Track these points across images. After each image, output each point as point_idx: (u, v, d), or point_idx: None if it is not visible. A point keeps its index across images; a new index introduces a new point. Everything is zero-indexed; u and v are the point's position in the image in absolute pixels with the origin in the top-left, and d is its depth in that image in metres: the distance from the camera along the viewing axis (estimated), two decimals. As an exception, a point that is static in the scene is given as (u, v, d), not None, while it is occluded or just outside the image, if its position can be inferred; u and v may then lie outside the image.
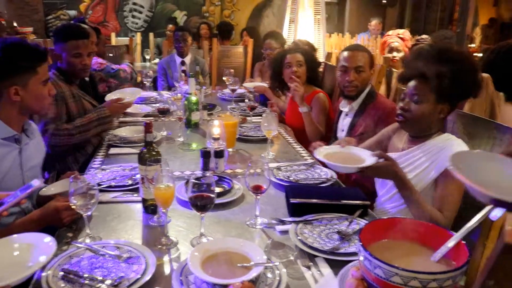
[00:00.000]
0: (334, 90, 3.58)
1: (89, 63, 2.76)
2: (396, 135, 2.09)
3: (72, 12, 8.41)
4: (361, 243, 1.13)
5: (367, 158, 1.81)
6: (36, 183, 1.43)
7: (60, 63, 2.72)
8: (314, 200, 1.69)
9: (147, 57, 7.17)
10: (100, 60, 3.85)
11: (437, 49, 1.84)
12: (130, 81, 3.93)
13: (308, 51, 3.26)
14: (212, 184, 1.45)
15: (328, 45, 6.28)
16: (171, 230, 1.59)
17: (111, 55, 4.51)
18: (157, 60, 6.80)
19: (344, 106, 2.67)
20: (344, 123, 2.67)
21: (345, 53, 2.58)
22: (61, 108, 2.56)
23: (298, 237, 1.50)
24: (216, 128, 2.20)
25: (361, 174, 1.78)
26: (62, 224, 1.59)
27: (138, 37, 7.38)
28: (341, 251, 1.42)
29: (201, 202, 1.45)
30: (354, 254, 1.39)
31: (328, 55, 4.36)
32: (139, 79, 5.46)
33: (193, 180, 1.44)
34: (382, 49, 4.37)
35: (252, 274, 1.24)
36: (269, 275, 1.29)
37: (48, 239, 1.28)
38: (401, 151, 1.96)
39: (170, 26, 7.82)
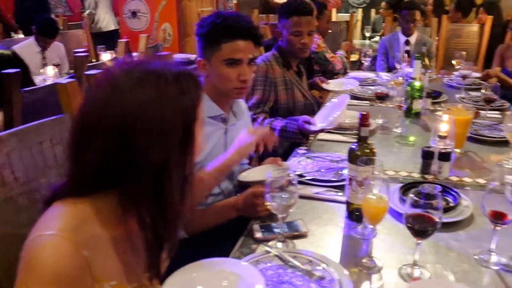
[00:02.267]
0: None
1: (308, 42, 2.59)
2: None
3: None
4: None
5: None
6: None
7: (280, 40, 2.63)
8: None
9: (367, 34, 6.85)
10: (319, 41, 3.69)
11: None
12: (336, 73, 3.70)
13: None
14: (439, 204, 1.12)
15: None
16: (376, 248, 1.31)
17: (330, 31, 4.33)
18: (377, 38, 6.43)
19: None
20: None
21: None
22: (269, 94, 2.45)
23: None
24: (444, 124, 1.82)
25: None
26: (257, 215, 1.46)
27: (359, 13, 7.09)
28: None
29: (420, 226, 1.14)
30: None
31: None
32: (357, 57, 5.21)
33: (413, 196, 1.13)
34: None
35: None
36: None
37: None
38: None
39: (384, 3, 7.30)
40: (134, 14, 5.40)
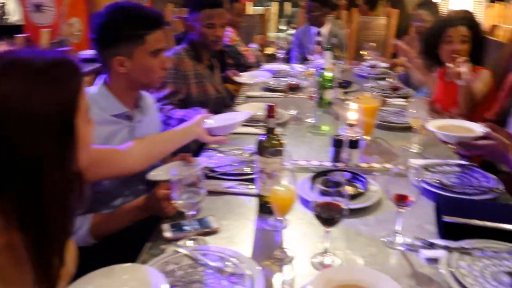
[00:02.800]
0: (496, 71, 2.97)
1: (221, 35, 2.57)
2: None
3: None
4: None
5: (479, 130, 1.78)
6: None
7: (192, 34, 2.58)
8: (477, 222, 1.28)
9: (283, 27, 6.94)
10: (233, 35, 3.67)
11: None
12: (249, 67, 3.69)
13: (476, 24, 2.66)
14: (345, 191, 1.13)
15: (489, 17, 5.41)
16: (288, 239, 1.31)
17: (244, 24, 4.32)
18: (292, 31, 6.54)
19: None
20: None
21: None
22: (180, 87, 2.41)
23: (451, 270, 1.12)
24: (352, 112, 1.86)
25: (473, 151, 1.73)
26: (166, 215, 1.40)
27: (274, 7, 7.15)
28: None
29: (327, 214, 1.14)
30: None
31: (493, 28, 3.68)
32: (272, 50, 5.25)
33: (319, 185, 1.13)
34: None
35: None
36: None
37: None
38: None
39: None
40: (38, 7, 5.05)
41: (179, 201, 1.23)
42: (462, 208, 1.35)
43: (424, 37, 2.91)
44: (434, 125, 1.94)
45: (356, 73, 3.60)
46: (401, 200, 1.24)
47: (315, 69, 2.89)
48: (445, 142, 2.00)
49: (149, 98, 1.79)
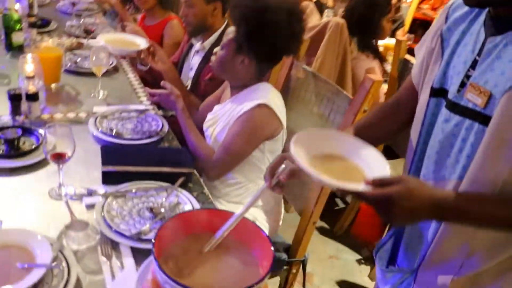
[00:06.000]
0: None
1: None
2: (227, 88, 1.94)
3: None
4: (153, 250, 0.96)
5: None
6: None
7: None
8: (130, 168, 1.49)
9: None
10: None
11: None
12: None
13: None
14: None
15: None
16: None
17: None
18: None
19: (198, 41, 2.41)
20: (193, 61, 2.41)
21: None
22: None
23: (102, 214, 1.30)
24: (29, 64, 1.84)
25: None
26: None
27: None
28: (150, 236, 1.26)
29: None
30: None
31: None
32: None
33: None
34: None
35: (31, 279, 1.04)
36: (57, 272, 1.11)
37: None
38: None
39: None
40: None
41: None
42: (122, 155, 1.54)
43: None
44: (105, 37, 2.23)
45: (59, 9, 3.42)
46: (58, 158, 1.35)
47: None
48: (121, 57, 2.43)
49: None
